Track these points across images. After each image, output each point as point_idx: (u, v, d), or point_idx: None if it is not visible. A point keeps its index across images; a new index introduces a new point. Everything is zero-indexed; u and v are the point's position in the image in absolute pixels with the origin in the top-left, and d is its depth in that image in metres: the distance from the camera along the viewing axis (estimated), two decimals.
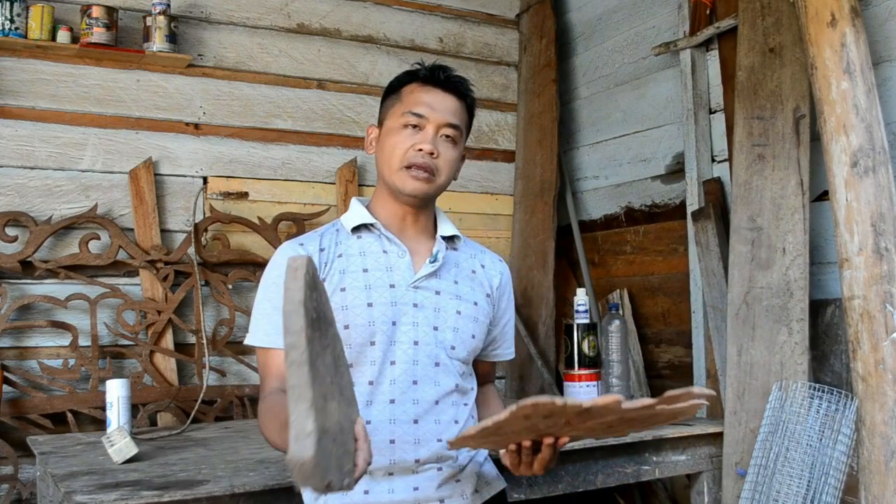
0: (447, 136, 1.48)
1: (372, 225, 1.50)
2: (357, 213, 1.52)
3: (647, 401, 1.12)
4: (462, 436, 1.23)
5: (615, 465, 2.12)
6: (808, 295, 2.17)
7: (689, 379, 2.72)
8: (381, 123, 1.55)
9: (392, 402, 1.42)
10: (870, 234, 1.91)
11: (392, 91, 1.54)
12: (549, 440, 1.25)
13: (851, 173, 1.95)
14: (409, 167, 1.45)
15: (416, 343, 1.45)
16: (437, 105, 1.48)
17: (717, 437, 2.27)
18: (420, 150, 1.45)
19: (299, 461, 0.90)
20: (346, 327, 1.42)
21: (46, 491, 1.85)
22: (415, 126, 1.47)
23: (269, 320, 1.42)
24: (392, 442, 1.41)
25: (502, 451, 1.35)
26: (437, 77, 1.51)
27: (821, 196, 2.27)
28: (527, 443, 1.27)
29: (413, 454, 1.42)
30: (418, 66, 1.53)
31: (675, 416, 1.22)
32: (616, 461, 2.13)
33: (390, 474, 1.41)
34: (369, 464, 1.10)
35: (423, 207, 1.53)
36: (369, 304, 1.43)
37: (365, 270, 1.46)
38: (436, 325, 1.46)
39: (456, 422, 1.47)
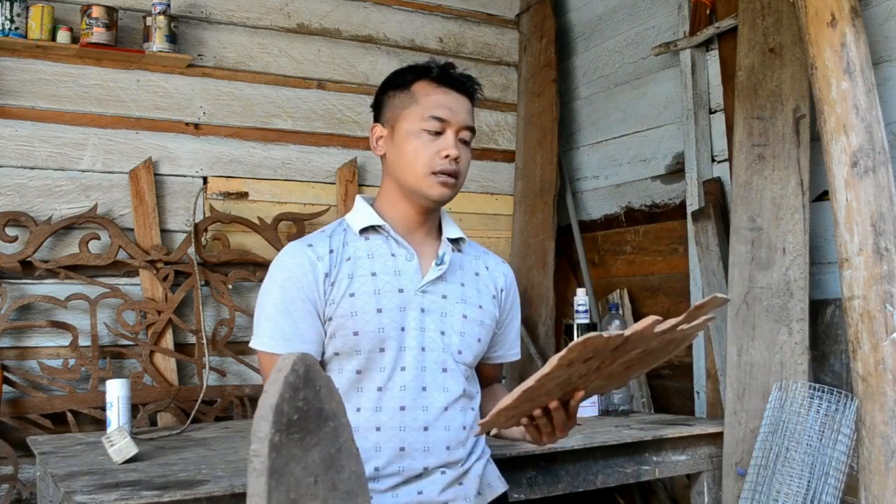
0: (464, 140, 1.47)
1: (380, 227, 1.47)
2: (365, 213, 1.49)
3: (675, 320, 1.12)
4: (493, 414, 1.19)
5: (615, 465, 2.12)
6: (808, 295, 2.17)
7: (690, 379, 2.72)
8: (387, 121, 1.49)
9: (402, 408, 1.40)
10: (870, 234, 1.91)
11: (397, 87, 1.49)
12: (554, 404, 1.24)
13: (851, 173, 1.95)
14: (435, 173, 1.42)
15: (423, 349, 1.43)
16: (455, 108, 1.45)
17: (717, 437, 2.27)
18: (447, 156, 1.43)
19: None
20: (356, 333, 1.40)
21: (46, 491, 1.85)
22: (437, 131, 1.44)
23: (272, 324, 1.41)
24: (402, 449, 1.39)
25: (522, 430, 1.33)
26: (451, 77, 1.47)
27: (821, 196, 2.27)
28: (537, 412, 1.25)
29: (422, 462, 1.41)
30: (428, 64, 1.49)
31: (691, 336, 1.22)
32: (616, 461, 2.12)
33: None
34: None
35: (436, 210, 1.51)
36: (378, 310, 1.41)
37: (373, 274, 1.43)
38: (442, 330, 1.45)
39: (464, 427, 1.46)
